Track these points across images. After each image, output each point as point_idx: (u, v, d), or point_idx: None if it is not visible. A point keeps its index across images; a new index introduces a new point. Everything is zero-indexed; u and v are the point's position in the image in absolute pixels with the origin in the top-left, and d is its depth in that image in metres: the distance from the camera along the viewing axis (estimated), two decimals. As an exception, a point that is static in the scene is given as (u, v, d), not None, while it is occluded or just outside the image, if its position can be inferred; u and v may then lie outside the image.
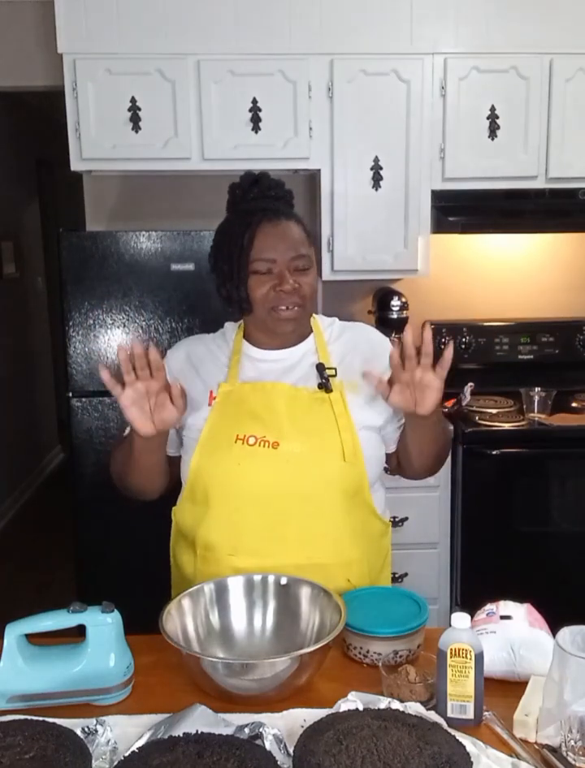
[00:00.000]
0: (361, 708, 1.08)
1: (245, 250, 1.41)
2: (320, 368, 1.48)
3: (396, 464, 1.61)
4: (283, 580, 1.35)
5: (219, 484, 1.44)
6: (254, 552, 1.43)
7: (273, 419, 1.43)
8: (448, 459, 2.79)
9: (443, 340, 3.16)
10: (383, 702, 1.10)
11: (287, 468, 1.41)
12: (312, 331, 1.54)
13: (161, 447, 1.47)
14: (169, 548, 1.59)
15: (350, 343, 1.54)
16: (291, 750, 1.01)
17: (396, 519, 2.66)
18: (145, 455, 1.45)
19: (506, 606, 1.30)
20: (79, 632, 1.23)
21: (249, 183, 1.47)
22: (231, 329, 1.58)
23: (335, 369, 1.48)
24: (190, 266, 2.66)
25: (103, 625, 1.18)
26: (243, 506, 1.43)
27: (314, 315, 1.57)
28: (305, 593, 1.33)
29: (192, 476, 1.46)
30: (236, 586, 1.36)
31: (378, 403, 1.48)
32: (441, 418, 1.50)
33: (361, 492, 1.47)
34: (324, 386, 1.46)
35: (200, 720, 1.06)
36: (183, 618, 1.29)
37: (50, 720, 1.06)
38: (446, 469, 2.80)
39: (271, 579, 1.36)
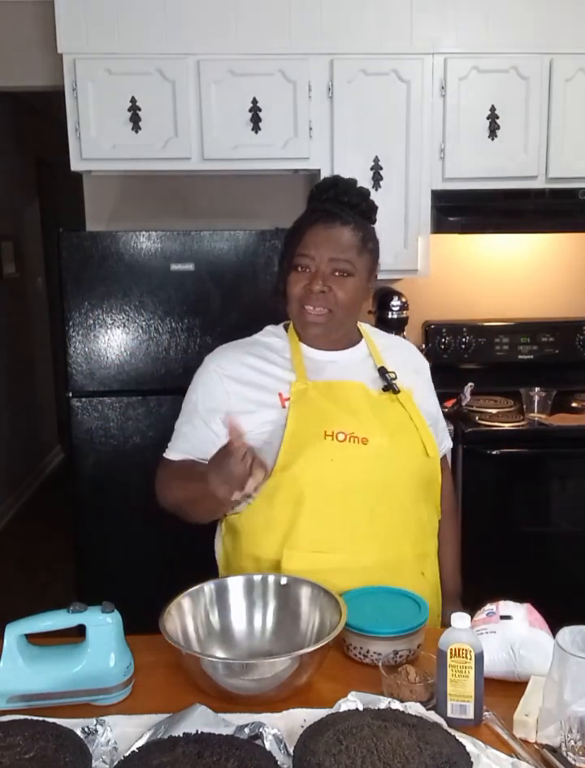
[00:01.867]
0: (361, 708, 1.08)
1: (292, 245, 1.45)
2: (383, 371, 1.51)
3: None
4: (283, 580, 1.35)
5: (313, 480, 1.42)
6: (340, 548, 1.43)
7: (360, 415, 1.45)
8: (449, 459, 2.80)
9: (443, 340, 3.16)
10: (383, 702, 1.10)
11: (378, 463, 1.43)
12: (362, 337, 1.59)
13: None
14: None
15: (402, 354, 1.61)
16: (291, 750, 1.01)
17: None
18: (212, 501, 1.34)
19: (506, 606, 1.30)
20: (79, 632, 1.23)
21: (327, 185, 1.50)
22: (274, 331, 1.58)
23: (395, 373, 1.52)
24: (190, 266, 2.66)
25: (103, 625, 1.18)
26: (334, 501, 1.43)
27: (363, 325, 1.61)
28: (304, 592, 1.33)
29: (278, 474, 1.42)
30: (235, 586, 1.36)
31: (431, 417, 1.56)
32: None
33: (434, 485, 1.53)
34: (391, 387, 1.49)
35: (200, 720, 1.06)
36: (183, 618, 1.29)
37: (50, 720, 1.06)
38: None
39: (271, 579, 1.36)
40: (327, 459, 1.42)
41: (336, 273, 1.43)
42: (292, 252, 1.45)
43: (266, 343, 1.55)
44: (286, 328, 1.58)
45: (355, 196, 1.49)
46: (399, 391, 1.50)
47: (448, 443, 1.69)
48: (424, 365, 1.66)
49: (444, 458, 1.65)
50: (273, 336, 1.56)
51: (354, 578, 1.39)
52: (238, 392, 1.48)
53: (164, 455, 1.56)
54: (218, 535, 1.60)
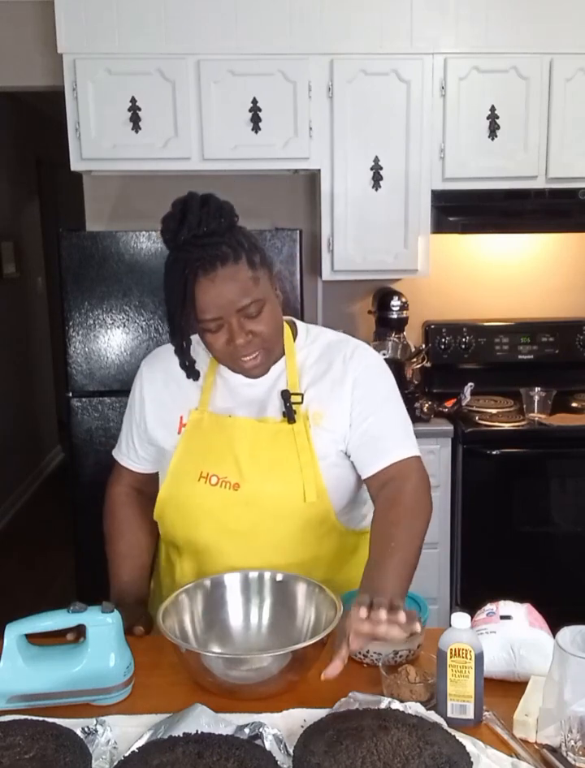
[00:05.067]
0: (361, 708, 1.08)
1: (187, 310, 1.30)
2: (285, 395, 1.39)
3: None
4: (279, 577, 1.36)
5: (183, 521, 1.45)
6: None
7: (233, 459, 1.39)
8: (449, 459, 2.80)
9: (443, 340, 3.16)
10: (383, 702, 1.10)
11: (247, 510, 1.39)
12: (284, 353, 1.44)
13: None
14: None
15: (323, 366, 1.44)
16: (291, 750, 1.01)
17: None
18: None
19: (506, 606, 1.30)
20: (78, 632, 1.23)
21: (176, 223, 1.28)
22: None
23: (302, 395, 1.40)
24: (190, 266, 2.65)
25: (103, 625, 1.18)
26: (206, 546, 1.43)
27: (297, 327, 1.48)
28: (300, 589, 1.34)
29: (160, 504, 1.47)
30: (232, 583, 1.37)
31: (343, 437, 1.41)
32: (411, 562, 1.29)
33: (327, 523, 1.43)
34: (287, 415, 1.39)
35: (200, 720, 1.06)
36: (180, 615, 1.29)
37: (50, 720, 1.06)
38: (446, 469, 2.80)
39: (267, 575, 1.37)
40: (197, 505, 1.41)
41: (248, 317, 1.31)
42: (194, 319, 1.31)
43: (194, 353, 1.42)
44: None
45: (211, 220, 1.28)
46: (294, 421, 1.38)
47: (405, 453, 1.39)
48: (354, 372, 1.42)
49: (411, 462, 1.39)
50: (201, 346, 1.42)
51: None
52: (150, 403, 1.49)
53: (114, 452, 1.63)
54: None
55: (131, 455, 1.57)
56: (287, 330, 1.46)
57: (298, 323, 1.50)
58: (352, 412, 1.41)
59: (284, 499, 1.39)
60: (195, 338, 1.39)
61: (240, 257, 1.29)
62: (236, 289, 1.29)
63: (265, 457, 1.39)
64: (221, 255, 1.27)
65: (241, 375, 1.42)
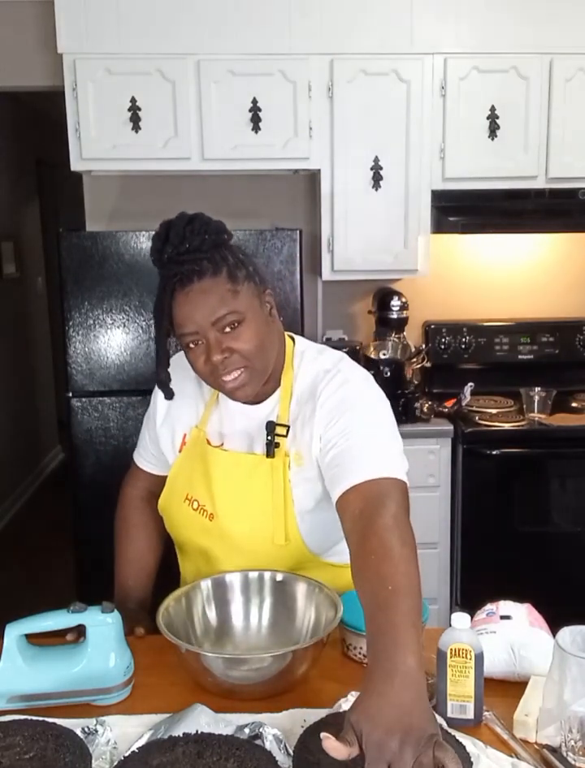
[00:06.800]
0: (361, 708, 1.08)
1: (165, 326, 1.29)
2: (270, 427, 1.34)
3: None
4: (279, 577, 1.36)
5: (175, 532, 1.49)
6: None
7: (210, 490, 1.39)
8: (449, 459, 2.80)
9: (443, 340, 3.16)
10: (383, 702, 1.09)
11: (222, 541, 1.39)
12: (280, 384, 1.38)
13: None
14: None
15: (306, 397, 1.35)
16: (291, 750, 1.01)
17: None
18: None
19: (506, 606, 1.30)
20: (78, 632, 1.23)
21: (160, 243, 1.27)
22: None
23: (288, 428, 1.34)
24: (190, 266, 2.65)
25: (103, 625, 1.18)
26: (201, 556, 1.45)
27: (301, 347, 1.41)
28: (300, 589, 1.34)
29: (160, 509, 1.50)
30: (232, 582, 1.37)
31: (318, 476, 1.32)
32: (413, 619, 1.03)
33: (307, 561, 1.40)
34: (267, 449, 1.34)
35: (200, 720, 1.06)
36: (180, 614, 1.30)
37: (50, 720, 1.06)
38: (446, 469, 2.80)
39: (267, 575, 1.37)
40: (181, 524, 1.44)
41: (226, 330, 1.26)
42: (173, 334, 1.30)
43: None
44: None
45: (194, 238, 1.24)
46: (273, 456, 1.33)
47: (378, 472, 1.20)
48: (322, 407, 1.32)
49: (386, 483, 1.19)
50: None
51: None
52: (161, 408, 1.49)
53: (134, 454, 1.62)
54: None
55: (147, 457, 1.57)
56: (289, 355, 1.39)
57: (297, 343, 1.43)
58: (322, 446, 1.31)
59: (254, 537, 1.37)
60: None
61: (219, 271, 1.25)
62: (212, 301, 1.25)
63: (238, 493, 1.37)
64: (199, 270, 1.24)
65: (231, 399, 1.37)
